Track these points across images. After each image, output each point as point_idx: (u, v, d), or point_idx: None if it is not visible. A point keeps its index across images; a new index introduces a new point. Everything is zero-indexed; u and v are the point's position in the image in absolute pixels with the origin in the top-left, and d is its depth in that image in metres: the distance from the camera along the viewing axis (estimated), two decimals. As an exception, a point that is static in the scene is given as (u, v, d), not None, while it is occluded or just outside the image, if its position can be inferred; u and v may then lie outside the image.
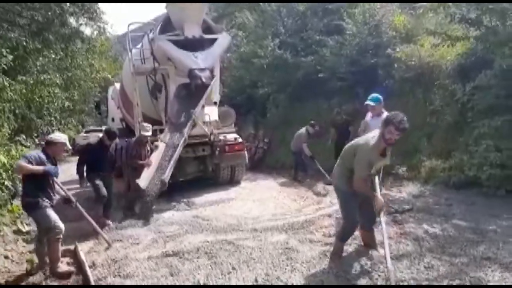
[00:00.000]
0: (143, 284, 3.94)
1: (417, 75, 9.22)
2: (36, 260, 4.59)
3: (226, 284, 3.81)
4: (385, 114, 5.20)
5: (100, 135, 18.91)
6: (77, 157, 6.47)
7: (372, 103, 6.19)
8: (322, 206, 6.51)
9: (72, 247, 5.06)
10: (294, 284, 3.69)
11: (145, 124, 7.24)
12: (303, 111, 11.94)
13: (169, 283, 3.90)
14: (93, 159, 6.25)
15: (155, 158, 6.93)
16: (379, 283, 3.60)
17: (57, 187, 4.53)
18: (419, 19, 9.90)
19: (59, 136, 4.54)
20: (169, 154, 6.96)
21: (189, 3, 8.01)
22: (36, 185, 4.26)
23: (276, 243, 4.70)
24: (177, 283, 3.88)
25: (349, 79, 10.86)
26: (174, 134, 7.33)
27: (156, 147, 7.18)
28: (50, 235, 4.28)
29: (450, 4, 7.75)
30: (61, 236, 4.34)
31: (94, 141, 6.70)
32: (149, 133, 7.13)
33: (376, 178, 4.00)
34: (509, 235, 4.46)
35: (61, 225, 4.30)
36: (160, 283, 3.92)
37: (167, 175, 6.52)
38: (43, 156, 4.33)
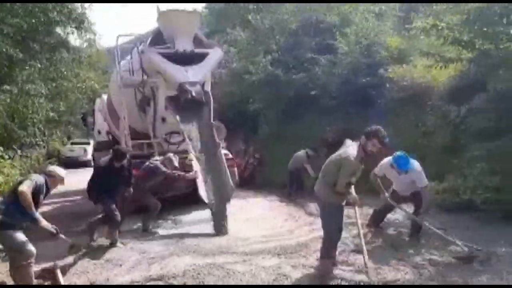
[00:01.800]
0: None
1: (410, 96, 9.20)
2: (8, 282, 4.25)
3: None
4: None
5: (86, 147, 18.46)
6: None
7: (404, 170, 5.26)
8: (315, 227, 6.26)
9: (50, 266, 4.72)
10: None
11: (172, 156, 6.97)
12: (295, 128, 11.81)
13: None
14: (104, 183, 5.85)
15: (199, 171, 6.87)
16: None
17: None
18: (412, 40, 9.95)
19: (60, 171, 4.51)
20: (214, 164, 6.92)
21: (181, 15, 7.86)
22: (21, 208, 3.98)
23: (268, 268, 4.45)
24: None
25: (341, 98, 10.80)
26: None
27: (190, 161, 7.10)
28: (20, 259, 3.94)
29: (444, 25, 7.76)
30: (33, 260, 4.00)
31: (103, 163, 6.27)
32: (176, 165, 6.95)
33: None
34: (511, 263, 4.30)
35: (32, 249, 3.97)
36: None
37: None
38: (43, 187, 4.20)
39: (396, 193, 5.58)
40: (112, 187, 5.88)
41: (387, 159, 5.40)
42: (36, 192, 4.09)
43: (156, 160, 6.83)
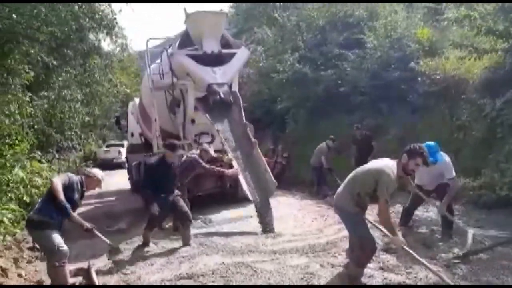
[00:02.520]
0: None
1: (442, 89, 8.92)
2: (46, 281, 4.45)
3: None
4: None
5: (121, 149, 18.95)
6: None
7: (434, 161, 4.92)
8: (344, 226, 6.21)
9: (85, 265, 4.92)
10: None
11: (208, 147, 6.97)
12: (323, 126, 11.70)
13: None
14: (155, 180, 5.68)
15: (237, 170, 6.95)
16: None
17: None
18: (444, 31, 9.64)
19: (97, 172, 4.54)
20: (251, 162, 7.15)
21: (208, 16, 7.97)
22: (56, 205, 4.09)
23: (296, 267, 4.44)
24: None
25: (370, 94, 10.63)
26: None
27: (230, 161, 7.19)
28: (53, 259, 4.06)
29: (477, 15, 7.47)
30: (66, 261, 4.12)
31: (154, 160, 6.14)
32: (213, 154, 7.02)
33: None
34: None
35: (66, 249, 4.08)
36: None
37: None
38: (77, 184, 4.27)
39: (419, 187, 5.37)
40: (162, 186, 5.69)
41: None
42: (69, 187, 4.16)
43: (193, 154, 6.78)
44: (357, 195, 3.73)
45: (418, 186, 5.38)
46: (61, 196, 4.05)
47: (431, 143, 4.96)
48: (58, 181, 4.12)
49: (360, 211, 3.82)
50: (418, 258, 3.68)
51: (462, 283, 3.83)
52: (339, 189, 3.99)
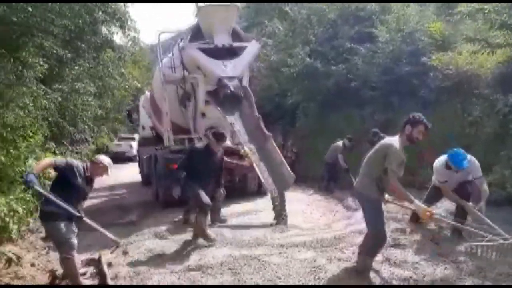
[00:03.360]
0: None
1: (455, 84, 8.82)
2: (59, 270, 4.55)
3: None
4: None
5: (132, 143, 19.10)
6: None
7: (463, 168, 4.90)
8: (353, 221, 6.22)
9: (96, 256, 5.02)
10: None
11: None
12: (334, 120, 11.65)
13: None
14: (196, 166, 5.60)
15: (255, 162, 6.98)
16: None
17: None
18: (457, 25, 9.50)
19: (103, 159, 4.40)
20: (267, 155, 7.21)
21: (219, 10, 7.98)
22: (62, 195, 4.14)
23: (304, 261, 4.48)
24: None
25: (382, 88, 10.54)
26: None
27: (246, 154, 7.11)
28: (62, 251, 4.09)
29: (490, 9, 7.35)
30: (74, 253, 4.12)
31: (200, 146, 6.20)
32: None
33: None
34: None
35: (74, 241, 4.12)
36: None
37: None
38: (78, 168, 4.17)
39: (438, 188, 5.34)
40: (202, 173, 5.60)
41: (440, 162, 5.10)
42: (68, 169, 4.09)
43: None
44: (377, 178, 3.85)
45: (436, 187, 5.36)
46: (36, 169, 4.08)
47: (460, 150, 4.89)
48: (49, 160, 4.21)
49: (381, 196, 3.95)
50: (443, 219, 4.11)
51: (469, 279, 3.83)
52: (359, 178, 4.11)
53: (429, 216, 3.81)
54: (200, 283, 4.10)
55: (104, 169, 4.33)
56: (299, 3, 14.70)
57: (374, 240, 3.97)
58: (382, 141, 4.00)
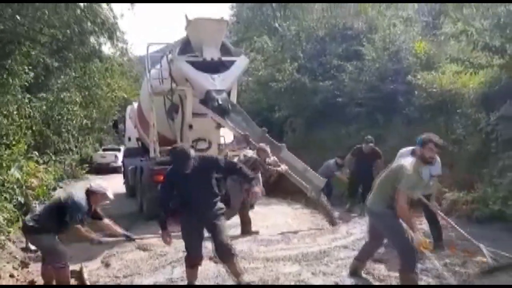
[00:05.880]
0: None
1: (439, 103, 9.01)
2: (37, 282, 4.44)
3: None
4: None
5: (117, 153, 18.85)
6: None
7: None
8: (338, 236, 6.24)
9: (78, 268, 4.91)
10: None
11: (265, 146, 6.80)
12: (321, 135, 11.77)
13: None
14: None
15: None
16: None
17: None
18: (441, 46, 9.76)
19: (101, 187, 4.32)
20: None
21: (209, 24, 8.05)
22: (55, 223, 4.08)
23: (288, 274, 4.47)
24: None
25: (368, 105, 10.72)
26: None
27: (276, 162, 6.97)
28: (55, 260, 4.04)
29: (473, 31, 7.58)
30: (67, 262, 4.12)
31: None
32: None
33: None
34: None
35: (64, 249, 4.12)
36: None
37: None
38: (86, 207, 4.16)
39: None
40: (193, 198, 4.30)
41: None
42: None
43: (249, 153, 6.62)
44: (390, 197, 3.85)
45: None
46: (89, 238, 4.24)
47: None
48: (81, 229, 4.11)
49: (393, 211, 3.83)
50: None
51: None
52: (371, 196, 4.13)
53: (424, 248, 3.82)
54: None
55: (104, 197, 4.32)
56: (299, 3, 14.90)
57: (405, 256, 3.80)
58: (396, 163, 4.09)
